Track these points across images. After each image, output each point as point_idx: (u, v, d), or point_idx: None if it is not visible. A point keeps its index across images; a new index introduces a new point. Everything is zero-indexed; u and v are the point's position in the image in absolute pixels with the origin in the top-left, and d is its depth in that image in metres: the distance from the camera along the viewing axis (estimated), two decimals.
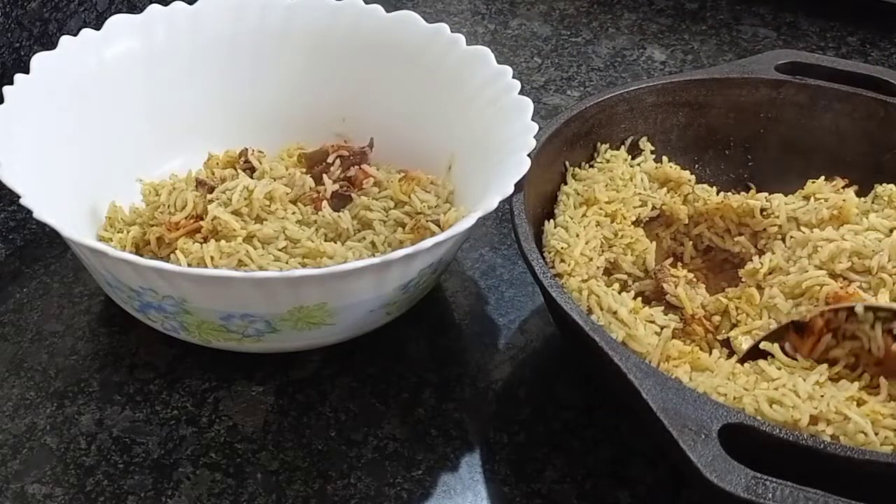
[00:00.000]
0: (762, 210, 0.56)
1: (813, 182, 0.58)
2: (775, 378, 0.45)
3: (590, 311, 0.49)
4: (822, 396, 0.44)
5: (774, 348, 0.47)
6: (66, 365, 0.54)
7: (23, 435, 0.50)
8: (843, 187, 0.57)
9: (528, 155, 0.52)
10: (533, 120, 0.54)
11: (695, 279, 0.54)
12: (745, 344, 0.50)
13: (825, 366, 0.46)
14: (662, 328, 0.50)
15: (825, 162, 0.60)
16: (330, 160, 0.60)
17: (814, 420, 0.43)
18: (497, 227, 0.64)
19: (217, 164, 0.62)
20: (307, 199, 0.58)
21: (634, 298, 0.51)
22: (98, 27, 0.60)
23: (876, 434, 0.42)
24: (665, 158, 0.60)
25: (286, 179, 0.58)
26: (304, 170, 0.60)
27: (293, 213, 0.56)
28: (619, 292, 0.51)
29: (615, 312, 0.49)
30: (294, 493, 0.48)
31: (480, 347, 0.56)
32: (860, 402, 0.44)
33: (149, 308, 0.50)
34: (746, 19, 0.89)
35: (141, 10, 0.61)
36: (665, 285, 0.53)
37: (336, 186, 0.59)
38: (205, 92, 0.63)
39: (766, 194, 0.58)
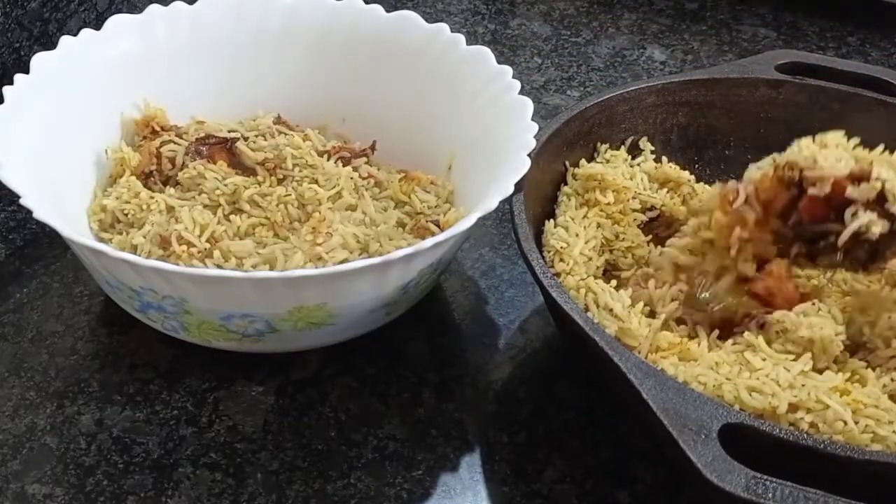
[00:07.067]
0: None
1: None
2: (759, 368, 0.46)
3: (586, 309, 0.49)
4: (804, 386, 0.44)
5: (759, 340, 0.47)
6: (66, 365, 0.54)
7: (23, 435, 0.50)
8: None
9: (528, 155, 0.52)
10: (533, 120, 0.54)
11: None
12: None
13: (809, 355, 0.47)
14: (652, 321, 0.50)
15: None
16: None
17: (793, 408, 0.43)
18: (497, 227, 0.64)
19: None
20: None
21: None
22: (98, 27, 0.60)
23: (856, 423, 0.42)
24: (665, 158, 0.60)
25: None
26: None
27: None
28: (617, 289, 0.51)
29: (611, 310, 0.49)
30: (294, 493, 0.48)
31: (480, 347, 0.56)
32: (844, 392, 0.44)
33: (149, 308, 0.50)
34: (746, 19, 0.89)
35: (141, 10, 0.61)
36: (633, 288, 0.52)
37: None
38: (204, 92, 0.63)
39: None
